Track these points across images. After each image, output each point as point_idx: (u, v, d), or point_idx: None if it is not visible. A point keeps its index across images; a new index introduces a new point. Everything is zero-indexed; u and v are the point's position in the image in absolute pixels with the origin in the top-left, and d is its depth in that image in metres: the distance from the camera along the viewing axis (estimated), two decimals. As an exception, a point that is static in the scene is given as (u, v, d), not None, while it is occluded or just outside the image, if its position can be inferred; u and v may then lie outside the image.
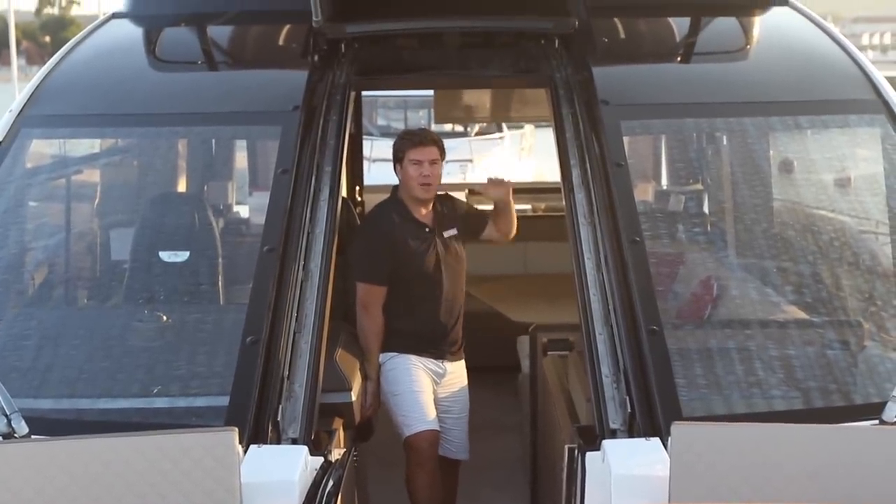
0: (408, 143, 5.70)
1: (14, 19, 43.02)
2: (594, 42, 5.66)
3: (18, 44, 48.86)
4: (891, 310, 4.76)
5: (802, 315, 4.76)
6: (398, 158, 5.72)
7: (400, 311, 5.68)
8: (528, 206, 10.81)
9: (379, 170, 13.43)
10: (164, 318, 4.64)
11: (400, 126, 22.77)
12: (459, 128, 21.27)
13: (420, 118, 23.11)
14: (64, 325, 4.89)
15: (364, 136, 9.70)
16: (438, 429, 5.68)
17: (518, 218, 10.09)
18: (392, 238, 5.67)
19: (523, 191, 11.89)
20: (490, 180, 6.02)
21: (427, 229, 5.73)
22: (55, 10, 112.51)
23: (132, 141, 5.68)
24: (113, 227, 5.58)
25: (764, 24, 6.10)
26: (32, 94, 5.37)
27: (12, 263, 5.09)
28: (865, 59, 5.53)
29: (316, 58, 5.48)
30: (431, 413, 5.66)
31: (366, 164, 9.79)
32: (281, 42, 6.09)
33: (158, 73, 5.91)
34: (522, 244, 9.11)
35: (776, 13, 6.06)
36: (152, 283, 4.96)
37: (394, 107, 23.02)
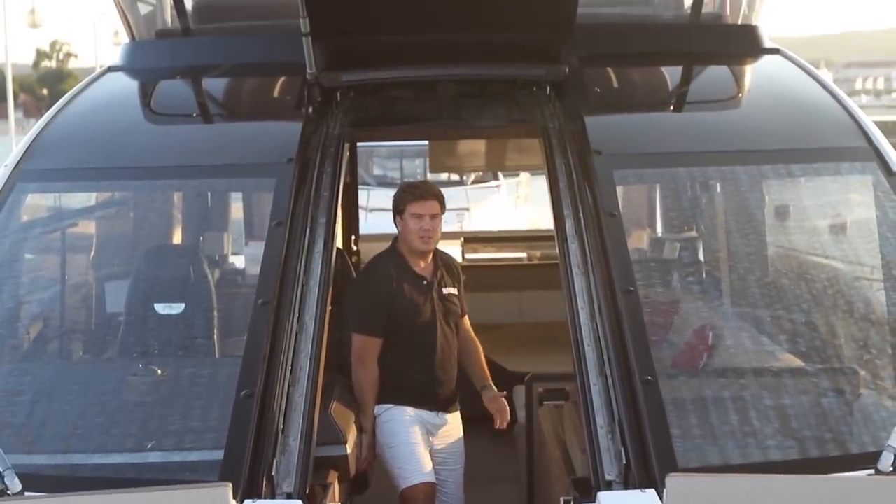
0: (409, 196, 5.70)
1: (11, 72, 43.24)
2: (586, 91, 5.70)
3: (16, 96, 49.15)
4: (885, 358, 4.75)
5: (798, 363, 4.76)
6: (399, 211, 5.72)
7: (396, 363, 5.67)
8: (524, 255, 10.82)
9: (375, 219, 13.49)
10: (159, 371, 4.63)
11: (396, 175, 22.87)
12: (456, 176, 21.36)
13: (416, 167, 23.21)
14: (58, 380, 4.88)
15: (360, 186, 9.75)
16: (435, 481, 5.65)
17: (513, 267, 10.24)
18: (389, 290, 5.66)
19: (519, 239, 11.95)
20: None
21: (424, 282, 5.73)
22: (53, 63, 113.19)
23: (128, 194, 5.70)
24: (108, 279, 5.58)
25: (755, 72, 6.15)
26: (28, 148, 5.39)
27: (7, 318, 5.09)
28: (856, 106, 5.57)
29: (310, 109, 5.51)
30: (428, 465, 5.63)
31: (362, 213, 9.82)
32: (275, 94, 6.12)
33: (154, 126, 5.94)
34: (518, 293, 9.14)
35: (767, 61, 6.10)
36: (147, 336, 4.95)
37: (390, 156, 23.12)
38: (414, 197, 5.68)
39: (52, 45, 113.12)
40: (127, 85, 6.25)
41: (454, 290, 5.84)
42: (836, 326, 4.93)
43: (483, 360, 6.05)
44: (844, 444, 4.32)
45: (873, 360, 4.73)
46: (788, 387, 4.56)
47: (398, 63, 5.62)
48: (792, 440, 4.27)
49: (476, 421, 6.19)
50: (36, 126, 5.63)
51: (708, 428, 4.24)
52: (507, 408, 5.92)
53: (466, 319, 6.03)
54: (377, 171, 23.06)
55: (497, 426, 5.88)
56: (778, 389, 4.52)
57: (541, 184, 5.73)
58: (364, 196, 12.74)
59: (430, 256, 5.80)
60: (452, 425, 5.84)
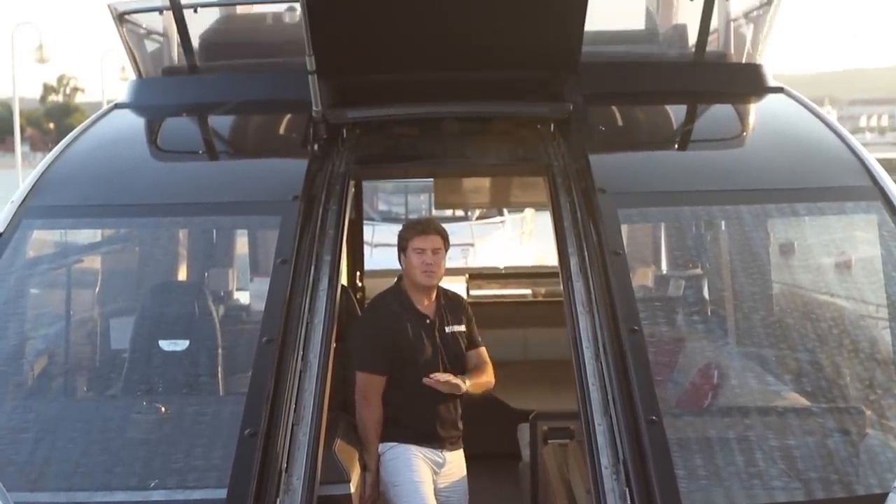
0: (411, 231, 5.74)
1: (19, 106, 43.42)
2: (591, 130, 5.71)
3: (22, 130, 49.30)
4: (891, 398, 4.73)
5: (803, 403, 4.74)
6: (402, 247, 5.75)
7: (399, 401, 5.65)
8: (529, 291, 10.80)
9: (380, 254, 13.48)
10: (163, 409, 4.62)
11: (401, 211, 22.93)
12: (460, 212, 21.41)
13: (421, 203, 23.27)
14: (62, 417, 4.87)
15: (365, 221, 9.73)
16: (438, 520, 5.63)
17: (518, 304, 10.22)
18: (392, 328, 5.66)
19: (524, 276, 11.94)
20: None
21: (428, 320, 5.73)
22: (59, 97, 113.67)
23: (133, 231, 5.71)
24: (113, 316, 5.58)
25: (759, 111, 6.16)
26: (34, 184, 5.40)
27: (11, 355, 5.08)
28: (861, 146, 5.57)
29: (315, 147, 5.53)
30: None
31: (367, 248, 9.81)
32: (281, 131, 6.15)
33: (159, 163, 5.95)
34: (522, 330, 9.11)
35: (772, 100, 6.12)
36: (151, 373, 4.95)
37: (394, 192, 23.18)
38: (416, 232, 5.71)
39: (60, 79, 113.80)
40: (133, 122, 6.28)
41: (459, 328, 5.83)
42: (841, 366, 4.91)
43: (486, 380, 5.89)
44: (850, 486, 4.29)
45: (879, 400, 4.71)
46: (794, 427, 4.54)
47: (403, 100, 5.65)
48: (797, 481, 4.25)
49: (481, 458, 6.17)
50: (42, 163, 5.64)
51: (713, 468, 4.22)
52: (454, 384, 5.62)
53: (482, 350, 5.96)
54: (382, 207, 23.14)
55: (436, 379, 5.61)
56: (783, 429, 4.50)
57: (545, 220, 5.72)
58: (369, 231, 12.74)
59: (434, 294, 5.80)
60: (456, 464, 5.82)
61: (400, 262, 5.80)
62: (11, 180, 33.97)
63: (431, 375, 5.62)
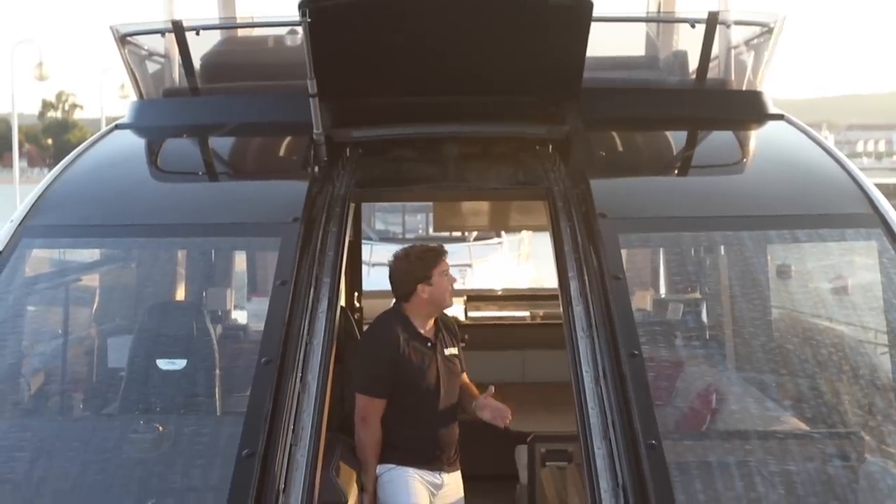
0: (431, 260, 5.70)
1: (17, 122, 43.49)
2: (591, 154, 5.72)
3: (21, 146, 49.33)
4: (890, 423, 4.74)
5: (802, 427, 4.74)
6: (424, 278, 5.66)
7: (399, 424, 5.63)
8: (527, 314, 10.79)
9: (378, 274, 13.47)
10: (160, 428, 4.61)
11: (398, 230, 22.93)
12: (458, 233, 21.42)
13: (418, 222, 23.27)
14: (58, 436, 4.85)
15: (363, 241, 9.74)
16: (436, 542, 5.62)
17: (516, 326, 10.23)
18: (395, 351, 5.63)
19: (522, 298, 11.94)
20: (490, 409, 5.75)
21: (429, 343, 5.71)
22: (58, 114, 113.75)
23: (132, 251, 5.71)
24: (111, 335, 5.58)
25: (760, 138, 6.17)
26: (34, 204, 5.41)
27: (8, 373, 5.08)
28: (861, 173, 5.58)
29: (316, 169, 5.53)
30: (429, 526, 5.60)
31: (364, 268, 9.82)
32: (281, 153, 6.15)
33: (160, 184, 5.95)
34: (520, 352, 9.11)
35: (772, 127, 6.13)
36: (149, 392, 4.94)
37: (391, 211, 23.16)
38: (438, 256, 5.72)
39: (59, 96, 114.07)
40: (134, 143, 6.28)
41: (455, 351, 5.83)
42: (840, 391, 4.92)
43: (472, 386, 5.97)
44: None
45: (878, 426, 4.71)
46: (793, 452, 4.54)
47: (403, 123, 5.67)
48: None
49: (477, 481, 6.15)
50: (42, 182, 5.65)
51: (712, 493, 4.22)
52: (502, 406, 5.73)
53: (465, 376, 6.00)
54: (379, 226, 23.13)
55: (502, 426, 5.73)
56: (782, 454, 4.50)
57: (542, 241, 5.73)
58: (366, 251, 12.74)
59: (433, 318, 5.80)
60: (453, 485, 5.80)
61: (416, 294, 5.70)
62: (9, 195, 34.04)
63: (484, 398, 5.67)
